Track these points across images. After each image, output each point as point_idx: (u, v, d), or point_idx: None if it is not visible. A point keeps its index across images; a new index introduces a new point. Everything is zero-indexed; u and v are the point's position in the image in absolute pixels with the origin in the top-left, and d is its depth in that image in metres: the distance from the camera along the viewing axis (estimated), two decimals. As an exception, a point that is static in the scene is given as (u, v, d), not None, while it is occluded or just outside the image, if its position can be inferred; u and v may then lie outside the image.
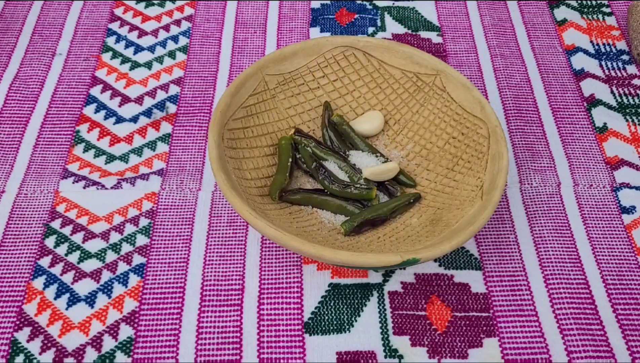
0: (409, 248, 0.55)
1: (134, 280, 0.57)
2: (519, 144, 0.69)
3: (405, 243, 0.56)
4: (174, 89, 0.74)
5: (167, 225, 0.61)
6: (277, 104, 0.65)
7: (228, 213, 0.62)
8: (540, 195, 0.65)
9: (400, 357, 0.53)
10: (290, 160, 0.62)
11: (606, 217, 0.63)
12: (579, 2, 0.87)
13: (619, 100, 0.74)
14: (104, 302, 0.56)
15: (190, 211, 0.62)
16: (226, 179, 0.53)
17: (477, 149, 0.60)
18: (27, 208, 0.62)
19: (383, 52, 0.66)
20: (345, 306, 0.56)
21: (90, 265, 0.58)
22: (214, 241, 0.60)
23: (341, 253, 0.50)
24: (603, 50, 0.80)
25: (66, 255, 0.59)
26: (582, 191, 0.65)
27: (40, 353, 0.53)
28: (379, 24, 0.82)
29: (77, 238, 0.60)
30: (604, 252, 0.61)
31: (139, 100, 0.73)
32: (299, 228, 0.58)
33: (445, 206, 0.59)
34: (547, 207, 0.64)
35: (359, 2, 0.85)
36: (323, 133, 0.65)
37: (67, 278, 0.57)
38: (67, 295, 0.56)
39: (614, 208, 0.64)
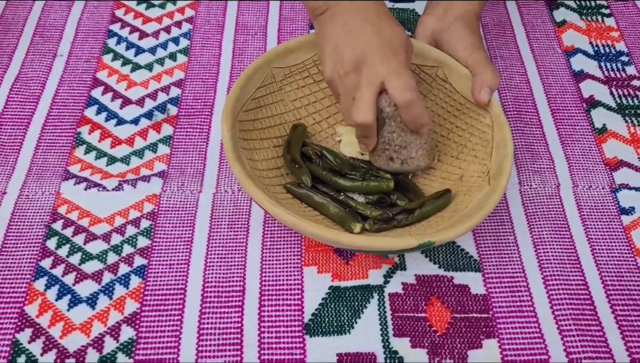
0: (421, 232, 0.55)
1: (135, 281, 0.58)
2: (518, 145, 0.69)
3: (417, 228, 0.57)
4: (174, 91, 0.74)
5: (168, 226, 0.62)
6: (284, 96, 0.66)
7: (229, 215, 0.62)
8: (539, 196, 0.65)
9: (401, 358, 0.53)
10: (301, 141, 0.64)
11: (605, 218, 0.63)
12: (578, 3, 0.87)
13: (618, 101, 0.74)
14: (105, 303, 0.56)
15: (191, 213, 0.63)
16: (242, 168, 0.54)
17: (482, 137, 0.61)
18: (28, 209, 0.62)
19: None
20: (346, 308, 0.56)
21: (91, 266, 0.59)
22: (215, 243, 0.60)
23: (358, 237, 0.50)
24: (602, 51, 0.80)
25: (67, 256, 0.59)
26: (581, 192, 0.65)
27: (41, 355, 0.53)
28: (379, 25, 0.82)
29: (79, 239, 0.60)
30: (603, 253, 0.61)
31: (140, 102, 0.73)
32: (311, 217, 0.58)
33: (453, 193, 0.60)
34: (546, 208, 0.64)
35: (359, 3, 0.86)
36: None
37: (69, 279, 0.58)
38: (69, 296, 0.57)
39: (613, 209, 0.64)
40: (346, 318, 0.56)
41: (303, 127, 0.65)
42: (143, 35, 0.81)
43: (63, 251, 0.60)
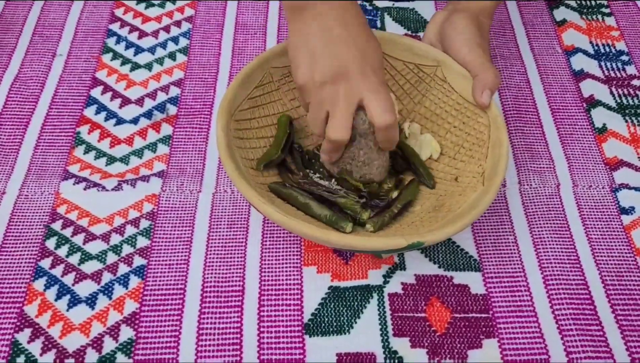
0: (413, 232, 0.55)
1: (134, 281, 0.58)
2: (518, 144, 0.69)
3: (410, 228, 0.57)
4: (174, 91, 0.74)
5: (168, 226, 0.62)
6: (282, 95, 0.66)
7: (228, 215, 0.62)
8: (539, 196, 0.65)
9: (400, 358, 0.53)
10: (285, 137, 0.62)
11: (605, 218, 0.63)
12: (579, 2, 0.87)
13: (619, 100, 0.74)
14: (104, 303, 0.56)
15: (191, 213, 0.62)
16: (234, 167, 0.54)
17: (478, 137, 0.61)
18: (27, 209, 0.62)
19: (385, 44, 0.66)
20: (345, 308, 0.56)
21: (90, 266, 0.59)
22: (215, 243, 0.60)
23: (348, 237, 0.50)
24: (602, 50, 0.80)
25: (67, 256, 0.59)
26: (581, 192, 0.65)
27: (41, 355, 0.53)
28: (378, 24, 0.82)
29: (78, 239, 0.60)
30: (603, 252, 0.61)
31: (140, 101, 0.73)
32: (304, 215, 0.58)
33: (448, 193, 0.60)
34: (546, 207, 0.64)
35: (359, 2, 0.85)
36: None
37: (68, 279, 0.58)
38: (68, 296, 0.57)
39: (613, 209, 0.64)
40: (346, 318, 0.56)
41: (285, 116, 0.64)
42: (142, 34, 0.80)
43: (62, 251, 0.60)
